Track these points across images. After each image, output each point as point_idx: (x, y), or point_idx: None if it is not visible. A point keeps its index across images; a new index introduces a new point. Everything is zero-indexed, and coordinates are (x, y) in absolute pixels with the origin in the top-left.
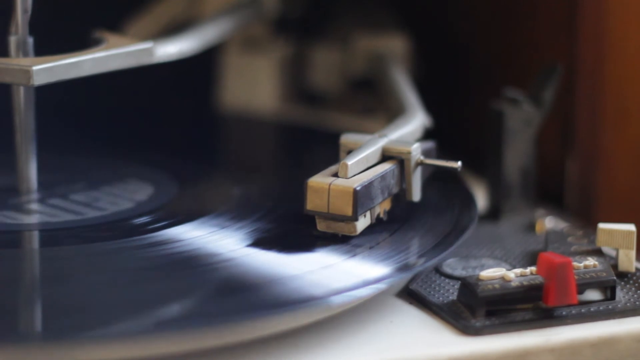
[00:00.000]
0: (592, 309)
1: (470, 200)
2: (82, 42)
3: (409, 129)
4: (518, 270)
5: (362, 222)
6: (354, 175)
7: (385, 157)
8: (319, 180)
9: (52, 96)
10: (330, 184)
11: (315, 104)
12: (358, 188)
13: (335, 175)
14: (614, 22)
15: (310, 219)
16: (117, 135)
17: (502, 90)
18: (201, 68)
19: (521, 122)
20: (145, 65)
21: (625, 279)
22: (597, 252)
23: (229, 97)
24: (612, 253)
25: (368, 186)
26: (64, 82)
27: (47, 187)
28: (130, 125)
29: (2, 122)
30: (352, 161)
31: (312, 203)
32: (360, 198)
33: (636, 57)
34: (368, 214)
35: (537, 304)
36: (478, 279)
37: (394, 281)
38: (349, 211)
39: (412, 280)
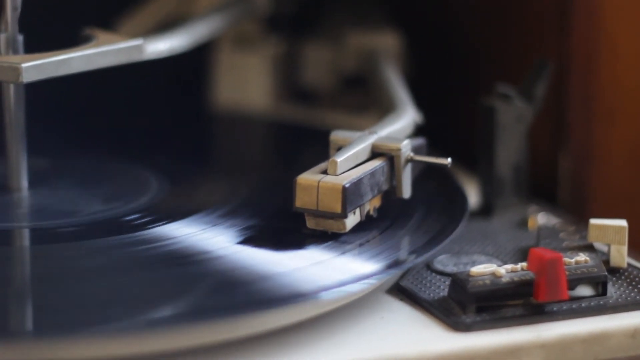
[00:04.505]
0: (583, 305)
1: (461, 197)
2: (73, 40)
3: (399, 126)
4: (509, 266)
5: (352, 219)
6: (343, 172)
7: (375, 154)
8: (307, 178)
9: (43, 94)
10: (319, 181)
11: (308, 102)
12: (347, 185)
13: (325, 172)
14: (605, 18)
15: (300, 216)
16: (109, 133)
17: (494, 86)
18: (193, 66)
19: (513, 118)
20: (137, 63)
21: (617, 275)
22: (589, 248)
23: (221, 94)
24: (604, 249)
25: (357, 183)
26: (55, 79)
27: (38, 185)
28: (121, 123)
29: None
30: (341, 158)
31: (301, 200)
32: (349, 195)
33: (628, 54)
34: (357, 211)
35: (528, 299)
36: (469, 275)
37: (385, 277)
38: (338, 208)
39: (403, 276)
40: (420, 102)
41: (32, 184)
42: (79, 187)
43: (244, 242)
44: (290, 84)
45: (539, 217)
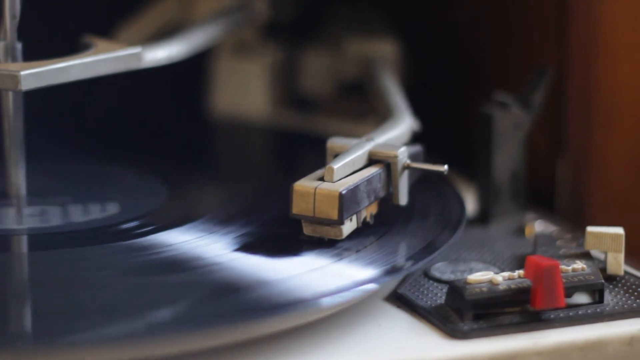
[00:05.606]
0: (580, 312)
1: (459, 204)
2: (72, 48)
3: (396, 133)
4: (506, 274)
5: (348, 226)
6: (340, 179)
7: (372, 160)
8: (304, 184)
9: (41, 101)
10: (316, 188)
11: (307, 109)
12: (344, 192)
13: (322, 179)
14: (604, 26)
15: (297, 223)
16: (107, 140)
17: (492, 93)
18: (192, 73)
19: (510, 126)
20: (135, 70)
21: (614, 282)
22: (586, 256)
23: (220, 102)
24: (601, 256)
25: (354, 190)
26: (54, 87)
27: (36, 192)
28: (120, 130)
29: None
30: (338, 165)
31: (298, 207)
32: (346, 202)
33: (626, 61)
34: (354, 217)
35: (525, 307)
36: (466, 283)
37: (382, 284)
38: (334, 215)
39: (401, 284)
40: (418, 109)
41: (31, 190)
42: (77, 194)
43: (241, 249)
44: (289, 91)
45: (536, 224)
